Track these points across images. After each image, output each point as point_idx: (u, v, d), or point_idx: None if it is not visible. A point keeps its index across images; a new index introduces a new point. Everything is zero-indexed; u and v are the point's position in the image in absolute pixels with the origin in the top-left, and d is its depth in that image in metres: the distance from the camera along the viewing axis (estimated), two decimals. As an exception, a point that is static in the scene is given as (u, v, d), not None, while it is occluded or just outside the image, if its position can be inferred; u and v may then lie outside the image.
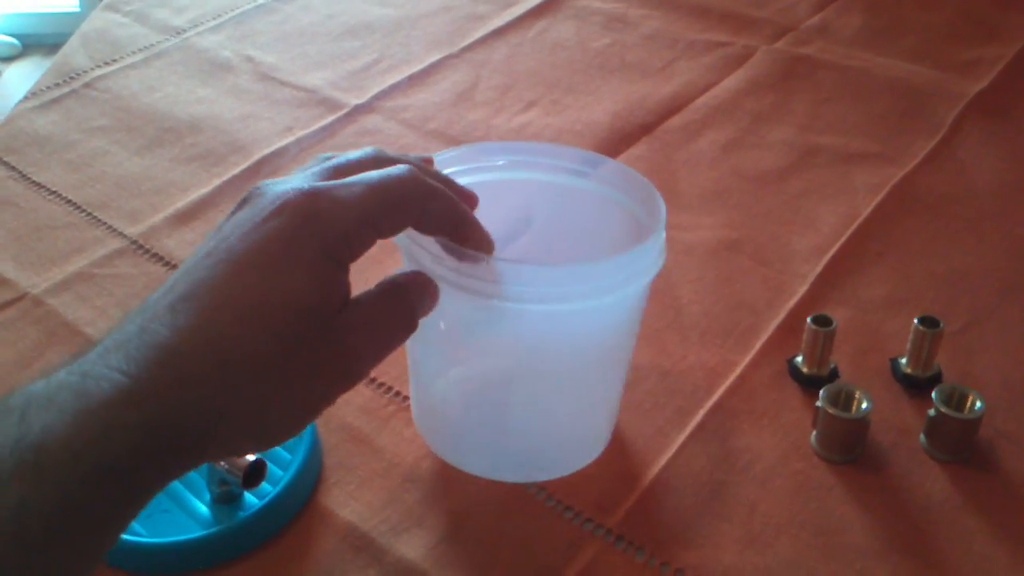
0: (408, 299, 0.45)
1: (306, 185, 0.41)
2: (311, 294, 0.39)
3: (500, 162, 0.59)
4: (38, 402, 0.35)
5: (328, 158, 0.45)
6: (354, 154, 0.45)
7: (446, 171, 0.58)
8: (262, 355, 0.38)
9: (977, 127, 0.88)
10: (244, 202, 0.43)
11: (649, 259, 0.50)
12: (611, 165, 0.58)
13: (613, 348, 0.55)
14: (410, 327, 0.45)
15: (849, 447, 0.58)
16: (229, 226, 0.41)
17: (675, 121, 0.91)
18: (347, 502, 0.57)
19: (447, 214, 0.45)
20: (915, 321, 0.61)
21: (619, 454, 0.59)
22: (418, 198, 0.43)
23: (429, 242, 0.48)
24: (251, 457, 0.54)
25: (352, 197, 0.40)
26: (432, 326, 0.55)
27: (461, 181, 0.59)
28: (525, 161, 0.60)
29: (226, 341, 0.37)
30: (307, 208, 0.40)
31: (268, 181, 0.43)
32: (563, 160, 0.59)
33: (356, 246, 0.41)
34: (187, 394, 0.37)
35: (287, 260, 0.39)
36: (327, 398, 0.42)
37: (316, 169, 0.44)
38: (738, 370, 0.64)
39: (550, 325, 0.51)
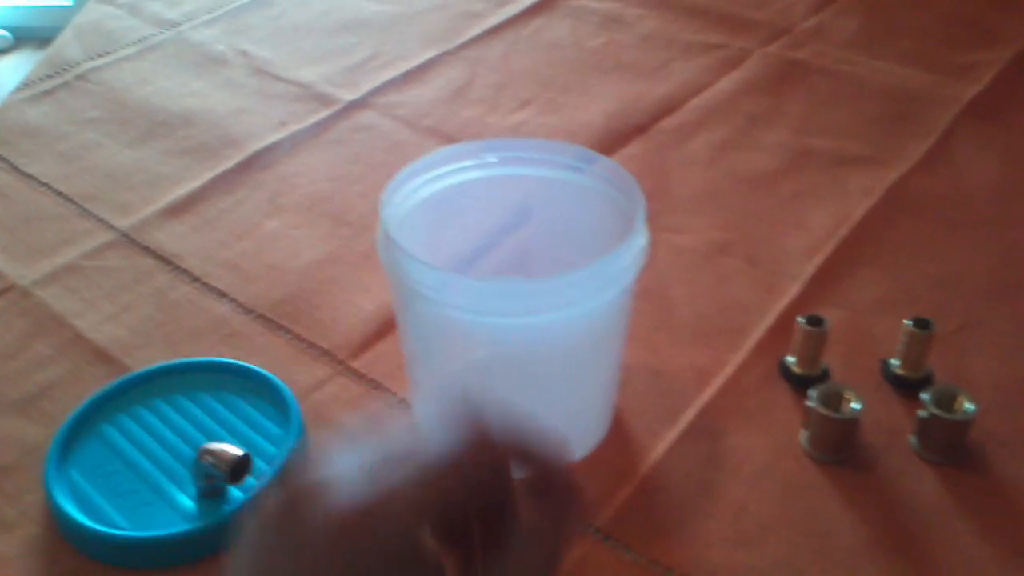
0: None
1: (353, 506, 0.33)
2: None
3: (493, 159, 0.59)
4: None
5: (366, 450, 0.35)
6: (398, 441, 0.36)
7: (441, 169, 0.58)
8: None
9: (972, 131, 0.88)
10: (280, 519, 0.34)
11: (623, 265, 0.50)
12: (604, 162, 0.58)
13: (595, 351, 0.55)
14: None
15: (839, 447, 0.57)
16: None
17: (669, 121, 0.91)
18: (334, 497, 0.56)
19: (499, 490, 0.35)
20: (907, 322, 0.61)
21: (610, 453, 0.59)
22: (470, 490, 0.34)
23: (412, 263, 0.49)
24: (237, 451, 0.54)
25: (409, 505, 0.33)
26: (416, 338, 0.55)
27: (457, 179, 0.59)
28: (519, 157, 0.60)
29: None
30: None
31: (298, 488, 0.34)
32: (557, 156, 0.59)
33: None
34: None
35: None
36: None
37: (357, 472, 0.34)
38: (729, 370, 0.64)
39: (527, 336, 0.51)
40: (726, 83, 0.97)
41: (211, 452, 0.54)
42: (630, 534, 0.54)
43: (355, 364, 0.65)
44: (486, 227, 0.64)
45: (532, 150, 0.60)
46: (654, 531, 0.54)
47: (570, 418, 0.57)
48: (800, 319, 0.61)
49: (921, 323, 0.61)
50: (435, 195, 0.58)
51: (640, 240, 0.51)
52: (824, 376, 0.62)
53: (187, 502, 0.55)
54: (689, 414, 0.61)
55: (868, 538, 0.54)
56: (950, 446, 0.57)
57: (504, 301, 0.49)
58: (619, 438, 0.60)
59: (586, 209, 0.58)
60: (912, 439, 0.59)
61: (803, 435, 0.59)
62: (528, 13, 1.11)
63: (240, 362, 0.63)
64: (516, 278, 0.63)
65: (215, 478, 0.54)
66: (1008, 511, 0.55)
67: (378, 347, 0.66)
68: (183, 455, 0.58)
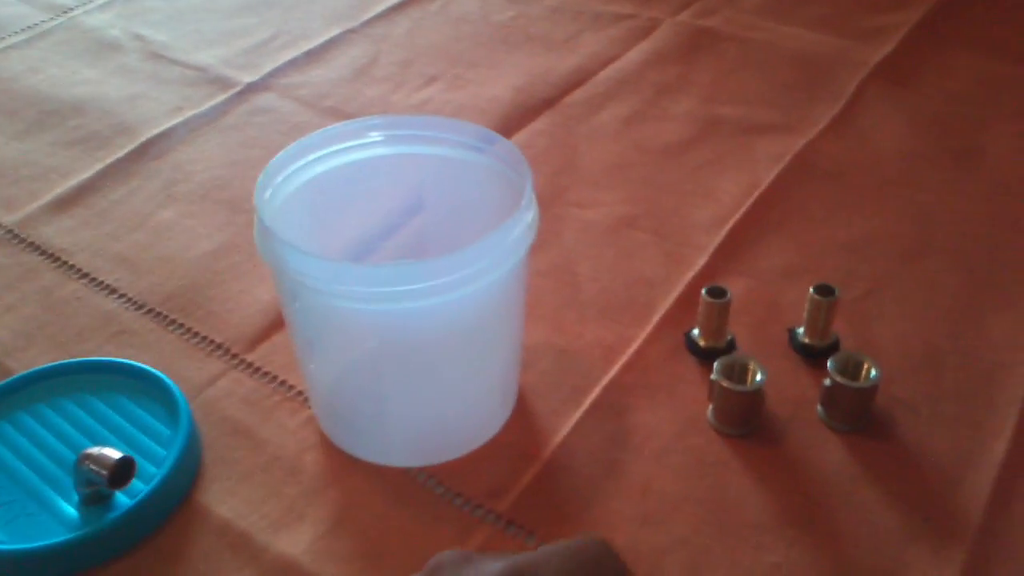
0: None
1: None
2: None
3: (378, 137, 0.57)
4: None
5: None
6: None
7: (323, 151, 0.56)
8: None
9: (879, 95, 0.88)
10: None
11: (510, 242, 0.48)
12: (502, 142, 0.56)
13: (490, 333, 0.53)
14: None
15: (744, 420, 0.56)
16: None
17: (578, 95, 0.89)
18: (225, 498, 0.54)
19: None
20: (810, 290, 0.60)
21: (513, 436, 0.57)
22: None
23: (293, 254, 0.46)
24: (117, 455, 0.51)
25: None
26: (302, 325, 0.53)
27: (343, 159, 0.57)
28: (412, 136, 0.57)
29: None
30: None
31: None
32: (451, 134, 0.57)
33: None
34: None
35: None
36: None
37: None
38: (635, 345, 0.62)
39: (416, 322, 0.49)
40: (635, 54, 0.95)
41: (91, 457, 0.51)
42: (534, 520, 0.52)
43: (250, 357, 0.62)
44: (382, 211, 0.62)
45: (426, 128, 0.58)
46: (558, 515, 0.53)
47: (470, 403, 0.56)
48: (703, 291, 0.60)
49: (824, 290, 0.60)
50: (318, 178, 0.55)
51: (527, 216, 0.49)
52: (730, 347, 0.61)
53: (70, 510, 0.53)
54: (594, 392, 0.59)
55: (775, 511, 0.53)
56: (856, 414, 0.57)
57: (388, 286, 0.47)
58: (523, 420, 0.58)
59: (483, 190, 0.56)
60: (819, 408, 0.58)
61: (709, 409, 0.58)
62: (435, -12, 1.08)
63: (127, 361, 0.60)
64: (407, 262, 0.61)
65: (96, 484, 0.52)
66: (914, 477, 0.54)
67: (275, 338, 0.64)
68: (66, 461, 0.55)
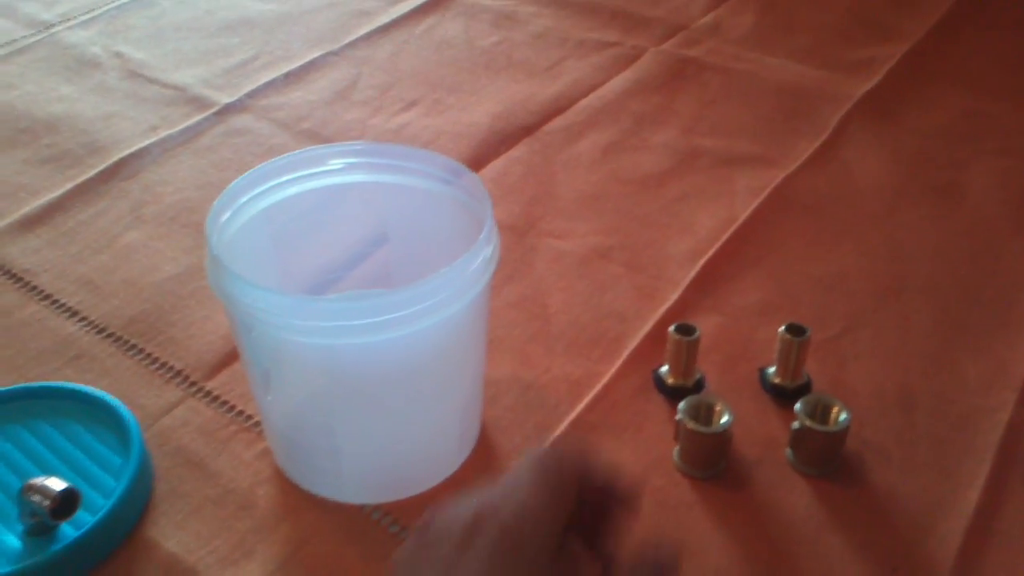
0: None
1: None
2: None
3: (341, 165, 0.56)
4: None
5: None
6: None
7: (283, 177, 0.55)
8: None
9: (862, 128, 0.87)
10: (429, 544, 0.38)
11: (467, 277, 0.47)
12: (466, 173, 0.54)
13: (446, 368, 0.52)
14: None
15: (710, 462, 0.55)
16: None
17: (558, 122, 0.88)
18: (174, 532, 0.52)
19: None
20: (781, 329, 0.59)
21: (473, 473, 0.56)
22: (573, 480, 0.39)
23: (241, 285, 0.45)
24: (61, 485, 0.50)
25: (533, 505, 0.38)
26: (254, 358, 0.51)
27: (305, 186, 0.56)
28: (372, 164, 0.56)
29: None
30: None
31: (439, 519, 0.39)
32: (417, 163, 0.56)
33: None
34: None
35: None
36: None
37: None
38: (603, 381, 0.61)
39: (363, 355, 0.48)
40: (618, 82, 0.94)
41: (34, 488, 0.50)
42: (490, 562, 0.51)
43: (209, 385, 0.61)
44: (347, 240, 0.61)
45: (393, 156, 0.56)
46: (515, 557, 0.51)
47: (427, 440, 0.54)
48: (671, 329, 0.59)
49: (795, 330, 0.59)
50: (279, 205, 0.54)
51: (486, 250, 0.48)
52: (699, 386, 0.60)
53: (13, 541, 0.51)
54: (559, 430, 0.58)
55: (737, 557, 0.51)
56: (824, 458, 0.55)
57: (340, 321, 0.45)
58: (484, 457, 0.57)
59: (450, 222, 0.55)
60: (788, 451, 0.56)
61: (675, 450, 0.56)
62: (420, 11, 1.07)
63: (82, 387, 0.59)
64: (359, 296, 0.60)
65: (40, 515, 0.50)
66: (881, 524, 0.53)
67: (235, 366, 0.62)
68: (12, 490, 0.53)
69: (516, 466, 0.39)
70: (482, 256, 0.48)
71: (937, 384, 0.61)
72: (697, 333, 0.58)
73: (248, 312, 0.46)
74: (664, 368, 0.60)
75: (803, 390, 0.60)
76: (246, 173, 0.53)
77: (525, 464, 0.39)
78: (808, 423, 0.54)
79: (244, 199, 0.53)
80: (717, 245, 0.72)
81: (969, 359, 0.63)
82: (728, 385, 0.61)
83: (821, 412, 0.56)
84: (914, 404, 0.60)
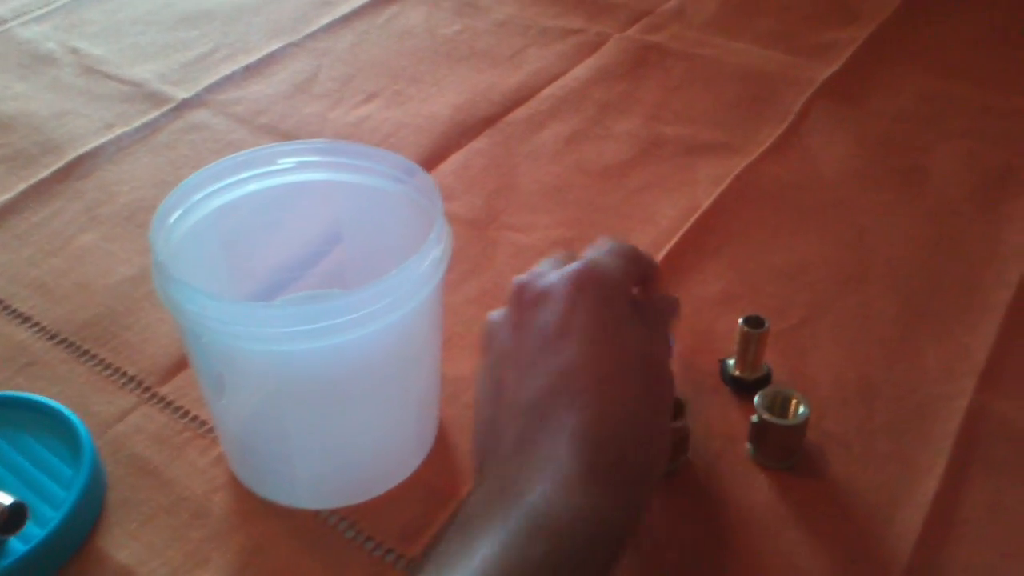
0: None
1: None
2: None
3: (290, 164, 0.55)
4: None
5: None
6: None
7: (230, 179, 0.54)
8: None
9: (825, 113, 0.86)
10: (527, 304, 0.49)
11: (413, 282, 0.46)
12: (419, 173, 0.54)
13: (398, 370, 0.51)
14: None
15: (668, 457, 0.54)
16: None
17: (520, 113, 0.87)
18: (126, 543, 0.51)
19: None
20: (740, 321, 0.58)
21: (431, 474, 0.55)
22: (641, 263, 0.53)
23: (186, 292, 0.44)
24: (7, 500, 0.49)
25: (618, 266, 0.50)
26: (203, 364, 0.50)
27: (254, 186, 0.55)
28: (323, 162, 0.55)
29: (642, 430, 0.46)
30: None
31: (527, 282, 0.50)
32: (370, 162, 0.55)
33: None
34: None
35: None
36: None
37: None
38: (563, 378, 0.60)
39: (312, 360, 0.47)
40: (581, 70, 0.93)
41: (-22, 503, 0.49)
42: (447, 565, 0.50)
43: (163, 390, 0.60)
44: (299, 240, 0.60)
45: (345, 155, 0.55)
46: (473, 560, 0.51)
47: (381, 443, 0.54)
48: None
49: (754, 321, 0.58)
50: (228, 206, 0.53)
51: (435, 251, 0.47)
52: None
53: (-40, 557, 0.50)
54: (518, 428, 0.57)
55: (697, 553, 0.51)
56: (784, 451, 0.55)
57: (289, 327, 0.45)
58: (442, 457, 0.56)
59: (404, 221, 0.54)
60: (748, 445, 0.56)
61: (635, 446, 0.56)
62: (382, 1, 1.06)
63: (31, 395, 0.58)
64: (316, 295, 0.59)
65: (-14, 531, 0.49)
66: (842, 516, 0.53)
67: (189, 371, 0.61)
68: (-40, 504, 0.52)
69: (596, 246, 0.52)
70: (431, 256, 0.47)
71: (898, 372, 0.61)
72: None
73: (196, 320, 0.45)
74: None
75: (763, 382, 0.59)
76: (193, 175, 0.52)
77: (602, 247, 0.51)
78: (767, 417, 0.54)
79: (193, 199, 0.52)
80: (678, 235, 0.72)
81: (930, 346, 0.63)
82: (690, 378, 0.60)
83: (780, 405, 0.55)
84: (875, 393, 0.60)
